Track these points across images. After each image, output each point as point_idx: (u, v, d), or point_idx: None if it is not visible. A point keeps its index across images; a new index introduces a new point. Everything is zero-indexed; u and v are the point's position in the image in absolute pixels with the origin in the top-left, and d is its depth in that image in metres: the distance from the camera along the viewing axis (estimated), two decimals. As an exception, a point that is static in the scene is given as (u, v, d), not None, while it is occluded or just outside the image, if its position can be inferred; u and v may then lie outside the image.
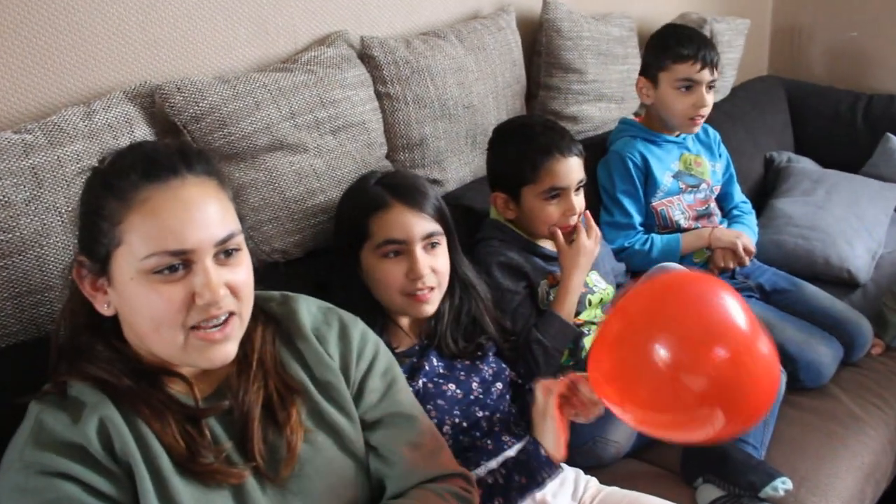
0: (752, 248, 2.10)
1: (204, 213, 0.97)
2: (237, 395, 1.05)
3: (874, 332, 2.08)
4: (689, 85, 2.05)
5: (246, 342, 1.07)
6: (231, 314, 1.00)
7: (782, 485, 1.54)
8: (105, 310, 1.01)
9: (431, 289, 1.43)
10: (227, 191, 1.03)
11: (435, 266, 1.43)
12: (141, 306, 0.96)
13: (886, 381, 1.98)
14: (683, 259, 2.06)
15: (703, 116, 2.09)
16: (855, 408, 1.87)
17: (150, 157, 0.98)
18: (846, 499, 1.65)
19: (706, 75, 2.05)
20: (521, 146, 1.70)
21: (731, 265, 2.07)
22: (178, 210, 0.95)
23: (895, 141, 2.74)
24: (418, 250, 1.41)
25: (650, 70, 2.10)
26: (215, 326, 0.98)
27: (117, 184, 0.96)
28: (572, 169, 1.70)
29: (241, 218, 1.05)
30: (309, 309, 1.17)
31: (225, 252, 0.99)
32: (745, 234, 2.11)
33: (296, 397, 1.09)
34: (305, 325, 1.14)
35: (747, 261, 2.08)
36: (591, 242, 1.71)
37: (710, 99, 2.09)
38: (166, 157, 0.99)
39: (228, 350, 1.00)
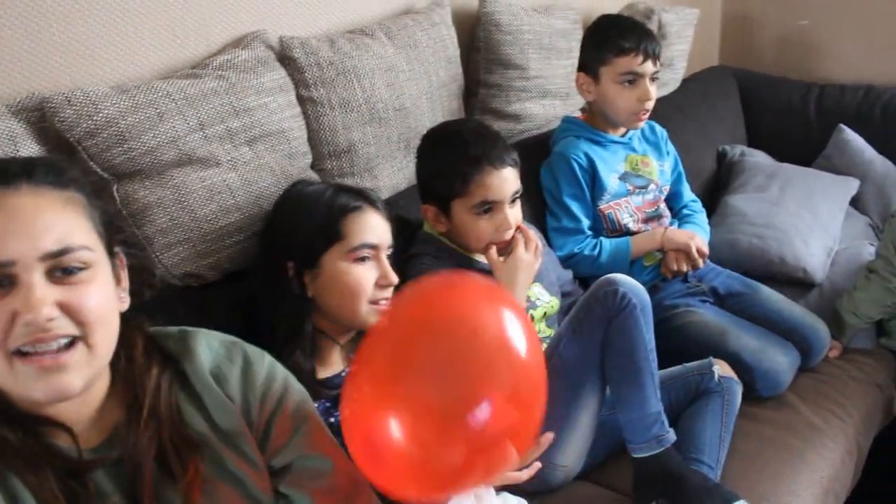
0: (706, 249, 2.02)
1: (32, 223, 0.87)
2: (127, 444, 0.95)
3: (831, 334, 2.01)
4: (633, 78, 1.96)
5: (137, 385, 0.97)
6: (74, 340, 0.88)
7: (738, 509, 1.45)
8: None
9: (388, 299, 1.38)
10: (86, 208, 0.93)
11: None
12: None
13: (844, 387, 1.91)
14: (634, 263, 1.97)
15: (648, 111, 2.01)
16: (813, 417, 1.80)
17: None
18: (806, 517, 1.57)
19: (649, 67, 1.96)
20: (450, 157, 1.58)
21: (685, 268, 1.99)
22: (1, 219, 0.85)
23: (848, 132, 2.68)
24: (385, 256, 1.39)
25: (590, 65, 2.01)
26: (47, 353, 0.86)
27: None
28: (506, 181, 1.59)
29: (135, 244, 0.98)
30: (210, 345, 1.05)
31: (63, 270, 0.88)
32: (699, 235, 2.03)
33: (195, 453, 0.98)
34: (202, 364, 1.03)
35: (701, 262, 2.00)
36: (530, 255, 1.61)
37: (655, 92, 2.00)
38: (7, 166, 0.90)
39: (66, 381, 0.88)
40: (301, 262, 1.36)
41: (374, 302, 1.36)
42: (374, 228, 1.38)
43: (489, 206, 1.59)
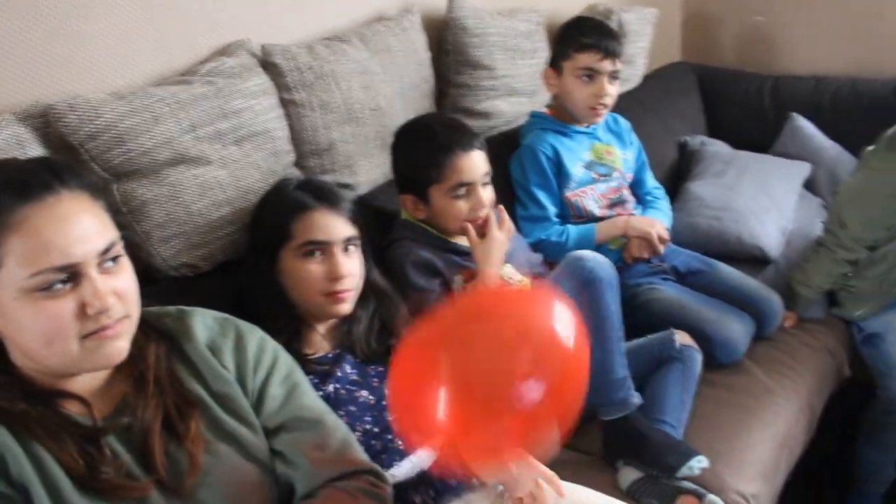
0: (666, 235, 2.15)
1: (83, 226, 0.99)
2: (136, 411, 1.07)
3: (786, 306, 2.15)
4: (591, 74, 2.09)
5: (140, 360, 1.09)
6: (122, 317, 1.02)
7: (697, 463, 1.58)
8: None
9: (349, 290, 1.48)
10: (101, 200, 1.05)
11: (352, 268, 1.49)
12: (29, 325, 0.97)
13: (797, 353, 2.05)
14: (599, 248, 2.09)
15: (604, 106, 2.14)
16: (768, 380, 1.93)
17: (20, 178, 0.98)
18: (761, 469, 1.71)
19: (607, 65, 2.09)
20: (424, 146, 1.72)
21: (646, 255, 2.12)
22: (59, 226, 0.97)
23: (800, 120, 2.82)
24: (338, 252, 1.46)
25: (556, 60, 2.16)
26: (107, 327, 1.00)
27: None
28: (476, 163, 1.73)
29: (124, 226, 1.10)
30: (205, 322, 1.18)
31: (107, 261, 1.01)
32: (659, 222, 2.17)
33: (194, 410, 1.10)
34: (199, 338, 1.15)
35: (661, 249, 2.13)
36: (503, 234, 1.74)
37: (613, 90, 2.13)
38: (37, 174, 0.99)
39: (121, 346, 1.03)
40: (266, 257, 1.48)
41: (328, 294, 1.46)
42: (323, 226, 1.46)
43: (464, 188, 1.72)
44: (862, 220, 2.00)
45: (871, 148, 2.05)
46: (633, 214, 2.20)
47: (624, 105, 2.63)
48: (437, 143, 1.71)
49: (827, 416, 2.08)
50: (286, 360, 1.22)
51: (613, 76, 2.12)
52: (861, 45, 2.93)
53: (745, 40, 3.26)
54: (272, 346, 1.22)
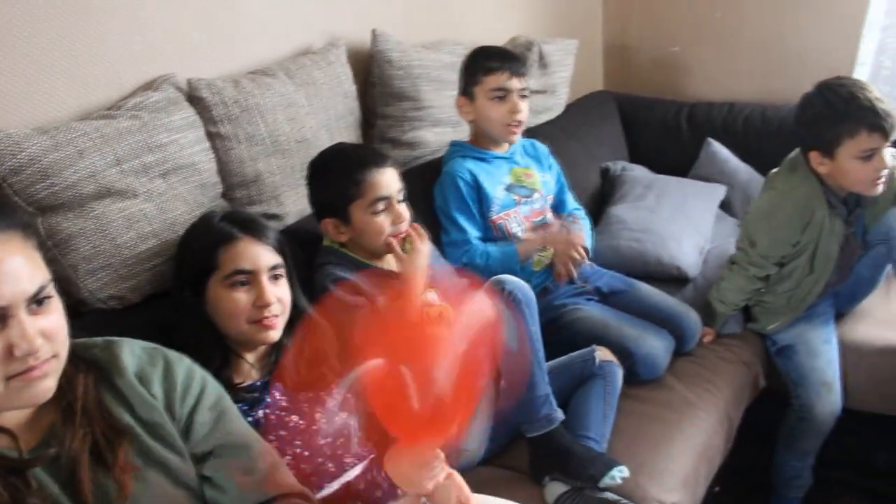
0: (583, 240, 2.22)
1: (13, 268, 0.98)
2: (63, 442, 1.07)
3: (705, 322, 2.24)
4: (502, 94, 2.17)
5: (69, 391, 1.09)
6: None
7: (619, 473, 1.64)
8: None
9: (276, 316, 1.50)
10: (32, 239, 1.05)
11: (279, 296, 1.51)
12: None
13: (715, 367, 2.14)
14: (524, 271, 2.15)
15: (519, 122, 2.21)
16: (688, 394, 2.01)
17: None
18: (682, 478, 1.77)
19: (516, 83, 2.18)
20: (340, 168, 1.78)
21: (572, 270, 2.19)
22: None
23: (715, 145, 2.95)
24: (265, 280, 1.49)
25: (466, 88, 2.23)
26: (34, 367, 1.00)
27: None
28: (391, 178, 1.80)
29: (50, 260, 1.08)
30: (133, 351, 1.19)
31: (37, 302, 1.01)
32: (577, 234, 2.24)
33: (122, 438, 1.11)
34: (128, 368, 1.16)
35: (584, 256, 2.19)
36: (425, 245, 1.82)
37: (525, 107, 2.21)
38: None
39: (47, 386, 1.03)
40: (192, 289, 1.50)
41: (256, 321, 1.47)
42: (249, 256, 1.48)
43: (382, 203, 1.78)
44: (770, 239, 2.11)
45: (774, 171, 2.17)
46: None
47: (548, 133, 2.74)
48: (352, 162, 1.78)
49: (748, 426, 2.17)
50: (214, 388, 1.24)
51: (523, 94, 2.20)
52: (769, 74, 3.09)
53: (662, 68, 3.40)
54: (200, 374, 1.24)
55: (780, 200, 2.09)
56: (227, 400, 1.26)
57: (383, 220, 1.79)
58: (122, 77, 1.74)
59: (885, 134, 1.90)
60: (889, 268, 2.22)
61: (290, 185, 1.96)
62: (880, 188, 1.99)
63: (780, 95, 2.87)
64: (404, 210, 1.82)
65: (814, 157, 2.01)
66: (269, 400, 1.47)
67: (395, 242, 1.79)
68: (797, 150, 2.11)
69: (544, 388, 1.73)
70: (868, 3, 2.66)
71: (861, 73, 2.74)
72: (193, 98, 1.79)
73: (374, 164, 1.78)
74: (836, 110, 1.93)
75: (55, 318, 1.04)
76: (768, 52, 3.08)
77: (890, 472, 2.33)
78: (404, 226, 1.82)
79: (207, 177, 1.77)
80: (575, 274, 2.21)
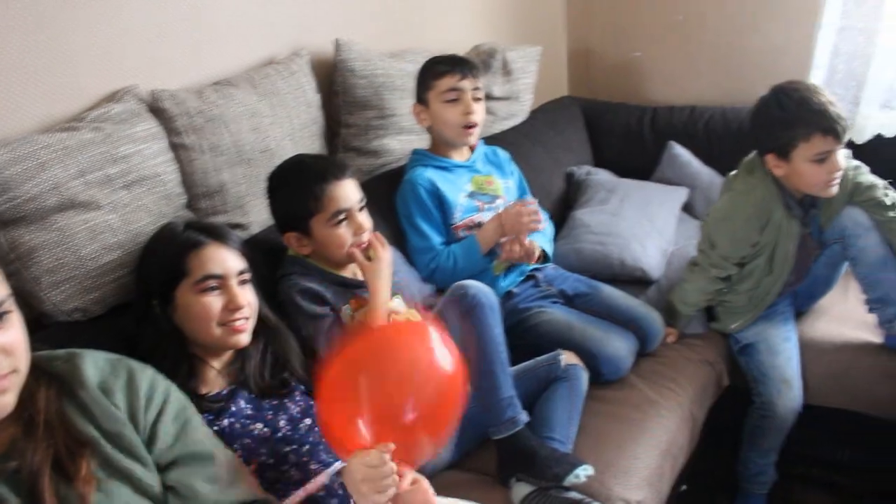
0: (534, 206, 2.17)
1: None
2: (24, 455, 1.08)
3: (668, 322, 2.28)
4: (455, 96, 2.20)
5: (31, 404, 1.10)
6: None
7: (583, 472, 1.67)
8: None
9: (247, 319, 1.53)
10: None
11: (248, 300, 1.54)
12: None
13: (679, 366, 2.17)
14: (485, 275, 2.17)
15: (475, 124, 2.24)
16: (652, 393, 2.04)
17: None
18: (646, 476, 1.80)
19: (468, 84, 2.21)
20: (299, 182, 1.79)
21: (517, 249, 2.15)
22: None
23: (677, 148, 2.99)
24: (234, 284, 1.52)
25: (421, 95, 2.26)
26: None
27: None
28: (351, 190, 1.81)
29: (12, 273, 1.08)
30: (96, 363, 1.19)
31: None
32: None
33: (84, 450, 1.12)
34: (90, 379, 1.17)
35: (536, 224, 2.16)
36: (388, 252, 1.84)
37: (479, 108, 2.24)
38: None
39: (6, 401, 1.04)
40: (160, 298, 1.51)
41: (224, 324, 1.49)
42: (218, 261, 1.51)
43: (343, 214, 1.79)
44: (730, 240, 2.15)
45: (733, 173, 2.22)
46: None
47: (512, 139, 2.77)
48: (311, 175, 1.79)
49: (713, 425, 2.21)
50: (178, 397, 1.25)
51: (476, 96, 2.23)
52: (729, 77, 3.14)
53: (627, 74, 3.44)
54: (164, 383, 1.25)
55: (738, 202, 2.13)
56: (191, 409, 1.27)
57: (344, 232, 1.80)
58: (85, 89, 1.75)
59: (837, 137, 1.95)
60: (845, 266, 2.27)
61: (255, 194, 1.97)
62: (834, 190, 2.04)
63: (740, 98, 2.92)
64: (365, 220, 1.83)
65: (770, 159, 2.05)
66: (234, 409, 1.48)
67: (357, 252, 1.81)
68: (754, 153, 2.16)
69: (509, 391, 1.76)
70: (822, 6, 2.72)
71: (816, 76, 2.79)
72: (156, 109, 1.80)
73: (333, 176, 1.79)
74: (791, 114, 1.97)
75: (14, 333, 1.05)
76: (728, 56, 3.13)
77: (850, 465, 2.37)
78: (366, 235, 1.83)
79: (171, 187, 1.77)
80: (517, 249, 2.16)
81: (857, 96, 2.76)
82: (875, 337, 2.23)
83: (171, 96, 1.82)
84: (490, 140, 2.55)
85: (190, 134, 1.83)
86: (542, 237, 2.34)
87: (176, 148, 1.81)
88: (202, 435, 1.26)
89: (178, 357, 1.49)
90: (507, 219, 2.15)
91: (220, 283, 1.50)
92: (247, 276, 1.56)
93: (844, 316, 2.35)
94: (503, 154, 2.45)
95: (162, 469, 1.20)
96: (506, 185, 2.36)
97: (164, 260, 1.53)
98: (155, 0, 1.87)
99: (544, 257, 2.33)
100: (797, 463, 2.37)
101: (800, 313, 2.39)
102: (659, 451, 1.89)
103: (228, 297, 1.50)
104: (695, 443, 2.09)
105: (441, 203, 2.20)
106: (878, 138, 2.72)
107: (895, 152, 2.65)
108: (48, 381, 1.14)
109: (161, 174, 1.75)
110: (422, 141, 2.41)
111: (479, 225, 2.23)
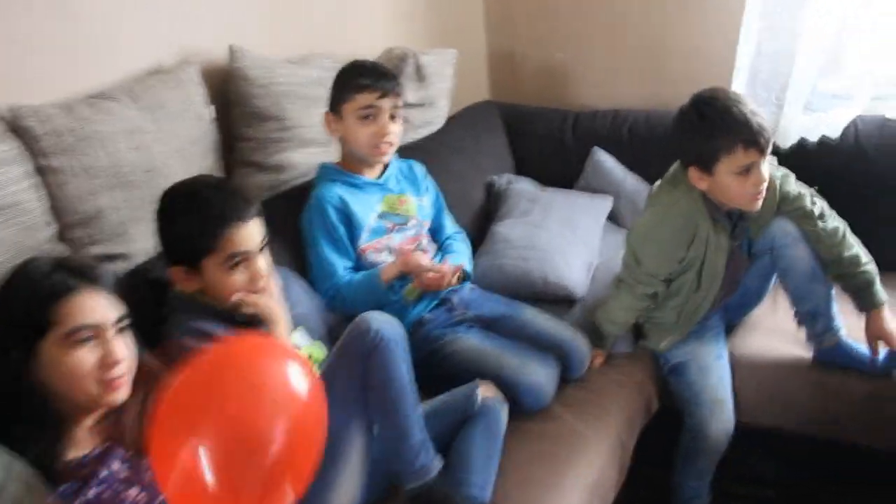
0: (451, 273, 2.09)
1: None
2: None
3: (594, 343, 2.15)
4: (372, 113, 2.06)
5: None
6: None
7: (502, 523, 1.53)
8: None
9: (125, 373, 1.34)
10: None
11: (126, 352, 1.35)
12: None
13: (606, 391, 2.05)
14: (397, 302, 2.05)
15: (389, 144, 2.10)
16: (578, 424, 1.91)
17: None
18: (573, 518, 1.68)
19: (387, 104, 2.06)
20: (194, 217, 1.57)
21: (433, 277, 2.06)
22: None
23: (601, 153, 2.88)
24: (112, 335, 1.32)
25: (335, 105, 2.10)
26: None
27: None
28: (253, 232, 1.60)
29: None
30: None
31: None
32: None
33: None
34: None
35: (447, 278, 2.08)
36: (274, 284, 1.66)
37: (395, 128, 2.10)
38: None
39: None
40: (18, 353, 1.28)
41: (103, 381, 1.30)
42: (92, 308, 1.31)
43: (240, 259, 1.59)
44: (656, 255, 2.04)
45: (656, 185, 2.11)
46: None
47: (429, 147, 2.62)
48: (210, 211, 1.57)
49: (645, 448, 2.10)
50: (19, 485, 1.08)
51: (394, 115, 2.08)
52: (652, 79, 3.04)
53: (548, 77, 3.31)
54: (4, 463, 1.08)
55: (662, 216, 2.02)
56: (35, 493, 1.09)
57: (238, 279, 1.59)
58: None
59: (760, 149, 1.85)
60: (775, 278, 2.18)
61: (138, 220, 1.77)
62: (758, 205, 1.94)
63: (663, 101, 2.82)
64: (264, 265, 1.62)
65: (692, 172, 1.95)
66: (105, 473, 1.30)
67: (242, 299, 1.61)
68: (677, 164, 2.05)
69: (419, 434, 1.60)
70: (744, 6, 2.64)
71: (740, 77, 2.71)
72: (17, 128, 1.60)
73: (236, 215, 1.57)
74: (712, 126, 1.87)
75: None
76: (651, 58, 3.04)
77: (780, 482, 2.33)
78: (262, 283, 1.62)
79: (35, 217, 1.58)
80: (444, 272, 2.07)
81: (781, 98, 2.69)
82: (805, 351, 2.15)
83: (35, 113, 1.62)
84: (405, 150, 2.40)
85: (59, 155, 1.63)
86: (460, 257, 2.20)
87: (43, 171, 1.62)
88: None
89: (43, 418, 1.28)
90: (406, 268, 2.05)
91: (95, 333, 1.30)
92: (125, 322, 1.36)
93: (775, 329, 2.26)
94: (419, 169, 2.30)
95: None
96: (420, 204, 2.22)
97: (24, 309, 1.30)
98: (19, 2, 1.66)
99: (464, 276, 2.19)
100: (732, 481, 2.29)
101: (731, 326, 2.30)
102: (587, 490, 1.76)
103: (104, 350, 1.30)
104: (625, 473, 1.98)
105: (349, 222, 2.05)
106: (802, 143, 2.64)
107: (820, 157, 2.58)
108: None
109: (22, 202, 1.55)
110: (328, 154, 2.24)
111: (387, 248, 2.09)
